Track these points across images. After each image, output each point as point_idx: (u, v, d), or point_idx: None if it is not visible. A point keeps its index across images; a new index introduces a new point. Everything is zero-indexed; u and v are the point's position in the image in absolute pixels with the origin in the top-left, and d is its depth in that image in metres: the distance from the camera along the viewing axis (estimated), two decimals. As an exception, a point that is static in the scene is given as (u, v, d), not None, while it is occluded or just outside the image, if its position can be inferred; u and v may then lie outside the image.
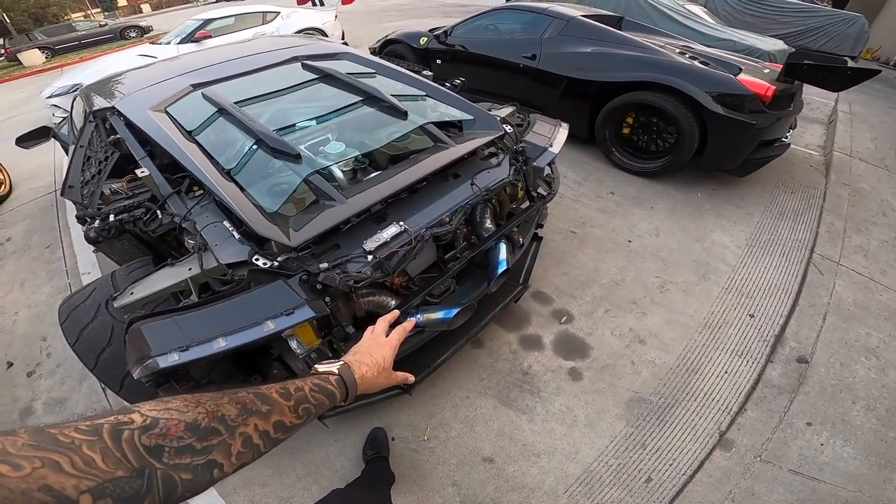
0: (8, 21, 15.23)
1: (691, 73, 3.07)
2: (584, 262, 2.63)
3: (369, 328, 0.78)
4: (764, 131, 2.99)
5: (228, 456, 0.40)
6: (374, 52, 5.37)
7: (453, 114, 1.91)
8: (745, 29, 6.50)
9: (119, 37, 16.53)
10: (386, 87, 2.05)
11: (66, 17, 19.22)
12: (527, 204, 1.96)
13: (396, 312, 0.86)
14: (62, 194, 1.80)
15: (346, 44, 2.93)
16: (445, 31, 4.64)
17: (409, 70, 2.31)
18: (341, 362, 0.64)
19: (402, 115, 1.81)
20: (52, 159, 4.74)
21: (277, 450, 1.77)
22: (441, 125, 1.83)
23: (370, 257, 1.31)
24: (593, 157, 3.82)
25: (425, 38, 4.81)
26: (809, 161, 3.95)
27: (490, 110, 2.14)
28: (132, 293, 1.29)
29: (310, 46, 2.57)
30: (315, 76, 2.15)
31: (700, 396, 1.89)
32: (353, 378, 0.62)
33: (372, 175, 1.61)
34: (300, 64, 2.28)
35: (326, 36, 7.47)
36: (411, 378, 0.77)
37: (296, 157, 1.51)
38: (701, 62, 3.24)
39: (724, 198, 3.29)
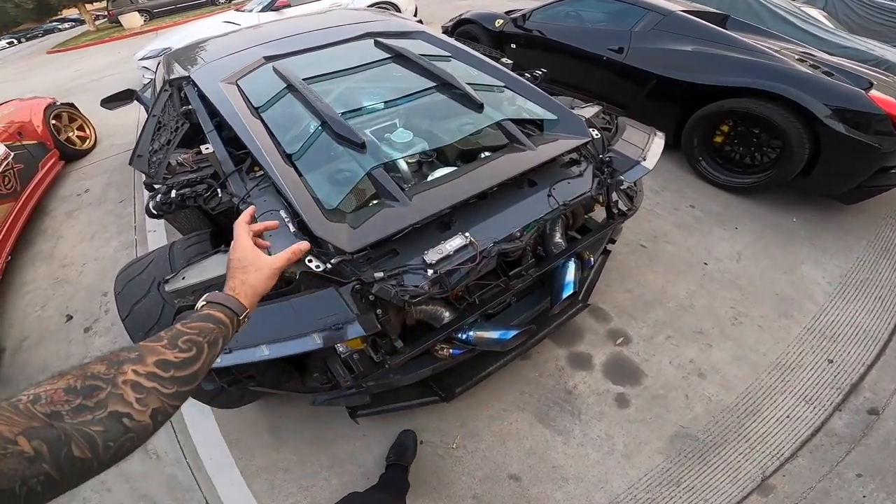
0: None
1: (812, 84, 2.65)
2: (651, 280, 2.41)
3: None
4: (888, 157, 2.55)
5: (128, 404, 0.42)
6: (446, 31, 5.24)
7: (534, 111, 1.70)
8: (872, 38, 5.64)
9: (210, 2, 17.51)
10: (461, 73, 1.87)
11: None
12: (603, 218, 1.73)
13: (251, 210, 0.79)
14: (130, 163, 1.82)
15: (420, 21, 2.78)
16: (524, 15, 4.40)
17: (487, 56, 2.11)
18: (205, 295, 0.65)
19: (478, 107, 1.63)
20: (136, 119, 5.01)
21: (305, 438, 1.73)
22: (519, 122, 1.64)
23: (430, 271, 1.17)
24: (676, 165, 3.45)
25: (501, 21, 4.60)
26: (932, 194, 3.35)
27: (572, 108, 1.91)
28: (184, 278, 1.26)
29: (384, 23, 2.47)
30: (387, 55, 2.03)
31: (752, 438, 1.75)
32: (221, 295, 0.61)
33: (438, 172, 1.46)
34: (373, 41, 2.19)
35: (400, 10, 7.36)
36: (302, 247, 0.74)
37: (360, 146, 1.39)
38: (824, 72, 2.80)
39: (823, 226, 2.86)
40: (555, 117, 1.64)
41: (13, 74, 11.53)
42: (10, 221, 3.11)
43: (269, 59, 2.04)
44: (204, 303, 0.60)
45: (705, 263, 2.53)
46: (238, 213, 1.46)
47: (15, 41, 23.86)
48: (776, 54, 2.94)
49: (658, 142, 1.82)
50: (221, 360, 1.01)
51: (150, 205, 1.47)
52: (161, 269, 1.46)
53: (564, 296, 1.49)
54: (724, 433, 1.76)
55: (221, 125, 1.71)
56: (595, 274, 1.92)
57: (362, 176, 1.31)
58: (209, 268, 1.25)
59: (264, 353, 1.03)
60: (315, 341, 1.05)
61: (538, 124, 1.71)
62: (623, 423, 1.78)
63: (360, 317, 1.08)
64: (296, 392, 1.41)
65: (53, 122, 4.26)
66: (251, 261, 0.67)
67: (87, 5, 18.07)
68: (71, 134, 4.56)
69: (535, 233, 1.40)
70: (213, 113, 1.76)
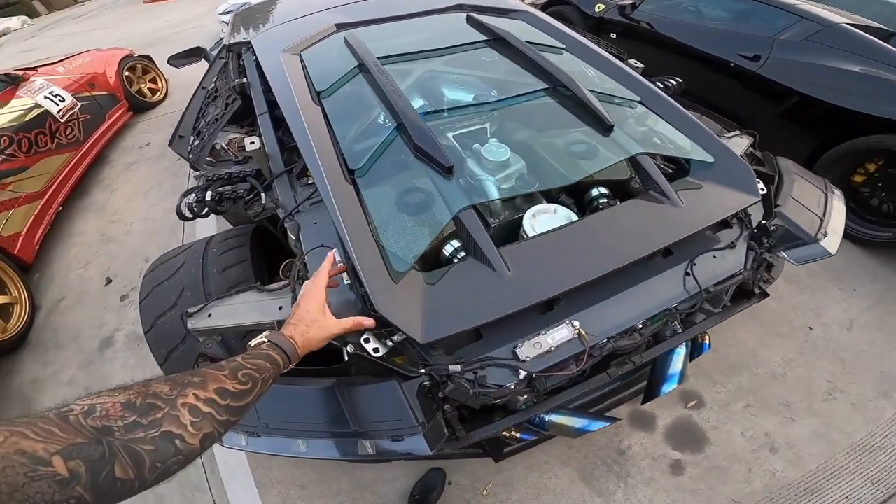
0: None
1: None
2: (743, 340, 2.10)
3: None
4: None
5: (183, 426, 0.43)
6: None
7: (682, 145, 1.23)
8: None
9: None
10: (577, 73, 1.44)
11: None
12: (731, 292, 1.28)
13: (331, 257, 0.80)
14: (170, 144, 1.59)
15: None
16: (633, 3, 3.86)
17: (612, 54, 1.65)
18: (268, 330, 0.69)
19: (606, 128, 1.19)
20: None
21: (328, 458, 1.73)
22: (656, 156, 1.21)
23: (522, 372, 0.82)
24: (795, 202, 2.91)
25: (602, 6, 4.11)
26: None
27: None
28: (210, 315, 1.01)
29: None
30: (483, 37, 1.65)
31: None
32: (283, 338, 0.64)
33: (541, 218, 1.05)
34: (465, 16, 1.82)
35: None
36: (365, 323, 0.75)
37: (447, 171, 1.03)
38: None
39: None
40: (711, 158, 1.17)
41: (108, 22, 12.18)
42: (66, 171, 3.13)
43: (340, 27, 1.76)
44: (265, 340, 0.63)
45: (810, 328, 2.18)
46: (284, 230, 1.22)
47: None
48: None
49: (838, 206, 1.32)
50: (247, 444, 0.87)
51: (181, 206, 1.22)
52: (191, 276, 1.29)
53: (666, 391, 1.17)
54: None
55: (275, 106, 1.42)
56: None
57: (448, 221, 0.95)
58: (239, 312, 1.00)
59: (300, 449, 0.85)
60: (365, 450, 0.82)
61: (678, 162, 1.26)
62: (670, 492, 1.66)
63: (427, 428, 0.81)
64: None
65: (127, 73, 4.32)
66: (317, 317, 0.70)
67: None
68: (143, 86, 4.61)
69: (662, 326, 1.01)
70: (268, 89, 1.48)
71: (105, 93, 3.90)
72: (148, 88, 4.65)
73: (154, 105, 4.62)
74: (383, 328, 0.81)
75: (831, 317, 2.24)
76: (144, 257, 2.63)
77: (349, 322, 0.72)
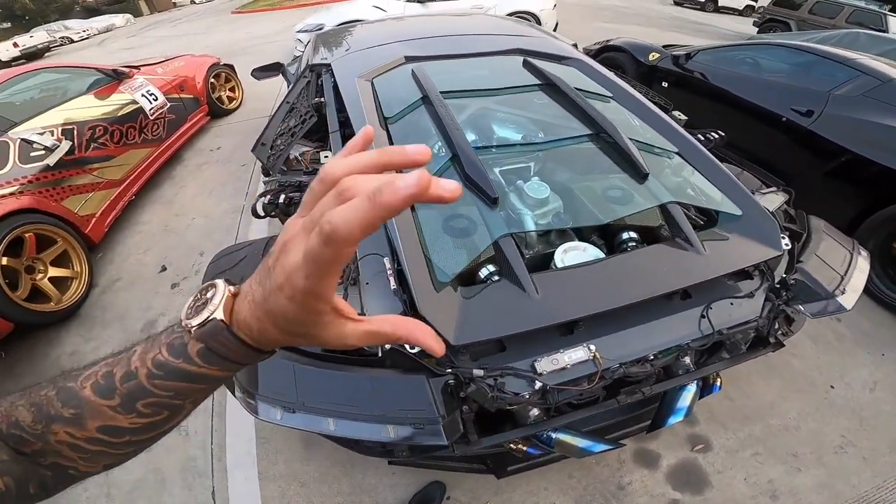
0: None
1: None
2: (761, 392, 2.10)
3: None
4: None
5: (72, 460, 0.34)
6: (588, 55, 4.85)
7: (712, 196, 1.33)
8: None
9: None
10: (621, 121, 1.56)
11: None
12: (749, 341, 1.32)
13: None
14: (253, 150, 1.82)
15: (574, 45, 2.49)
16: (688, 54, 3.91)
17: (657, 105, 1.76)
18: (212, 316, 0.32)
19: (642, 176, 1.31)
20: (279, 88, 5.31)
21: (334, 458, 1.85)
22: (686, 205, 1.29)
23: (538, 384, 0.92)
24: (832, 265, 2.83)
25: (656, 55, 4.18)
26: None
27: (753, 192, 1.49)
28: None
29: (535, 40, 2.24)
30: (536, 81, 1.79)
31: None
32: (236, 342, 0.31)
33: (570, 253, 1.17)
34: (522, 60, 1.97)
35: (540, 23, 7.06)
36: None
37: (492, 201, 1.17)
38: None
39: None
40: (738, 212, 1.26)
41: (201, 28, 13.45)
42: (146, 164, 3.42)
43: (409, 59, 1.94)
44: (198, 342, 0.32)
45: (831, 387, 2.16)
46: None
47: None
48: None
49: (862, 266, 1.35)
50: (281, 418, 0.93)
51: (257, 205, 1.41)
52: (252, 268, 1.41)
53: (671, 422, 1.22)
54: None
55: (347, 126, 1.61)
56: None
57: (488, 244, 1.09)
58: None
59: (330, 428, 0.92)
60: (388, 434, 0.91)
61: (708, 213, 1.35)
62: None
63: (446, 420, 0.91)
64: (347, 447, 1.26)
65: (212, 80, 4.69)
66: (303, 331, 0.30)
67: None
68: (223, 93, 4.99)
69: (672, 360, 1.08)
70: (341, 108, 1.67)
71: (191, 96, 4.25)
72: (227, 96, 5.03)
73: (229, 112, 4.97)
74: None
75: (855, 378, 2.19)
76: (200, 251, 2.82)
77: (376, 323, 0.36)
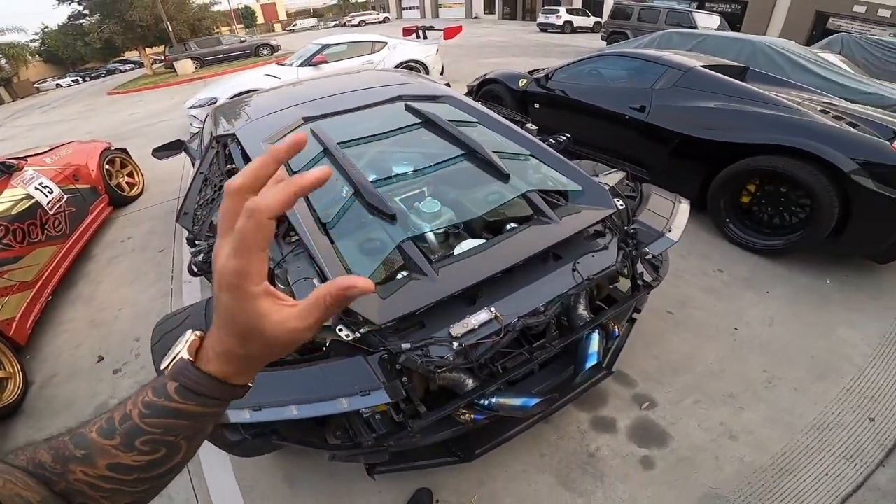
0: (170, 30, 17.32)
1: (836, 138, 2.60)
2: (678, 346, 2.36)
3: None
4: None
5: (94, 499, 0.37)
6: (472, 90, 5.42)
7: (559, 180, 1.75)
8: (892, 80, 5.56)
9: (254, 53, 18.70)
10: (487, 140, 1.96)
11: (216, 31, 21.58)
12: (628, 288, 1.72)
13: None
14: (177, 220, 1.94)
15: (448, 85, 2.93)
16: (547, 75, 4.51)
17: (512, 121, 2.21)
18: (179, 354, 0.38)
19: (504, 176, 1.69)
20: (182, 168, 5.26)
21: (320, 490, 1.74)
22: (545, 192, 1.69)
23: (455, 344, 1.19)
24: (702, 228, 3.40)
25: (524, 81, 4.70)
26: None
27: (596, 174, 1.95)
28: None
29: (414, 86, 2.60)
30: (417, 120, 2.14)
31: (788, 497, 1.70)
32: (201, 374, 0.37)
33: (465, 245, 1.50)
34: (403, 105, 2.30)
35: (428, 69, 7.78)
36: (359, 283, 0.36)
37: (391, 217, 1.46)
38: (848, 123, 2.75)
39: (859, 287, 2.77)
40: (579, 188, 1.68)
41: (78, 113, 12.47)
42: (56, 262, 3.22)
43: (307, 119, 2.15)
44: (172, 381, 0.37)
45: (735, 329, 2.47)
46: (275, 277, 1.55)
47: (80, 79, 26.28)
48: (798, 107, 2.91)
49: (683, 209, 1.82)
50: (251, 417, 1.08)
51: (192, 263, 1.55)
52: (196, 325, 1.52)
53: (587, 367, 1.48)
54: (758, 493, 1.71)
55: (262, 187, 1.81)
56: (620, 341, 1.90)
57: (392, 248, 1.36)
58: None
59: (293, 412, 1.10)
60: (342, 405, 1.10)
61: (563, 194, 1.76)
62: (648, 486, 1.75)
63: (387, 385, 1.12)
64: (317, 448, 1.41)
65: (107, 166, 4.41)
66: (247, 326, 0.34)
67: (146, 49, 19.39)
68: (121, 180, 4.71)
69: (559, 307, 1.40)
70: None
71: (88, 186, 3.99)
72: (126, 182, 4.76)
73: (132, 199, 4.71)
74: (350, 321, 1.17)
75: (752, 317, 2.54)
76: (135, 337, 2.75)
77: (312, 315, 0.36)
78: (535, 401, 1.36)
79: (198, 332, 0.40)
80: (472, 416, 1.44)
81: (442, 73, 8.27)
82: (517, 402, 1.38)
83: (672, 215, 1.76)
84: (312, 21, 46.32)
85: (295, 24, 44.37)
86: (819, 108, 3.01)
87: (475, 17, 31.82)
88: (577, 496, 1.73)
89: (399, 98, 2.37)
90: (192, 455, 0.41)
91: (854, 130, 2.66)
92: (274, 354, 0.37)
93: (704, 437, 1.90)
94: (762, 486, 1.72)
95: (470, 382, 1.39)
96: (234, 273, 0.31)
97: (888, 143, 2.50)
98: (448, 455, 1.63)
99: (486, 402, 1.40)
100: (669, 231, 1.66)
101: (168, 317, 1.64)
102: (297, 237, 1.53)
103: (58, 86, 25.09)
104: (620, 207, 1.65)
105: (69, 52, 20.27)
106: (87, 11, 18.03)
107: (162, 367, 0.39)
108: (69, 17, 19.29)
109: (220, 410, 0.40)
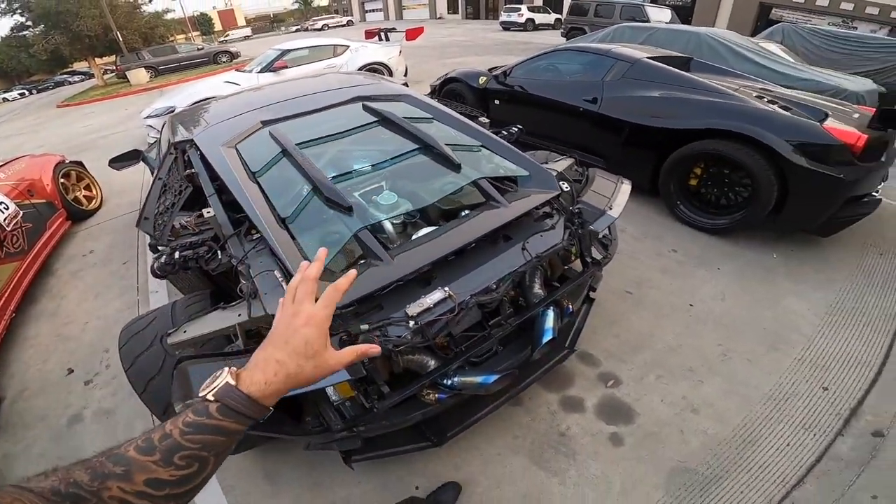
0: (120, 39, 16.68)
1: (770, 120, 2.80)
2: (638, 325, 2.47)
3: (281, 300, 0.57)
4: (853, 186, 2.65)
5: None
6: (434, 90, 5.48)
7: (508, 168, 1.86)
8: (829, 67, 5.99)
9: (212, 60, 18.21)
10: (441, 134, 2.06)
11: (170, 39, 20.87)
12: (580, 268, 1.85)
13: (352, 275, 0.62)
14: (137, 225, 1.95)
15: (405, 84, 3.01)
16: (504, 72, 4.62)
17: (466, 116, 2.31)
18: (223, 382, 0.49)
19: (456, 167, 1.79)
20: (141, 178, 5.15)
21: (301, 484, 1.81)
22: (495, 180, 1.79)
23: (412, 323, 1.28)
24: (655, 211, 3.59)
25: (484, 78, 4.80)
26: (904, 216, 3.48)
27: (546, 162, 2.07)
28: (185, 331, 1.37)
29: (372, 86, 2.65)
30: (374, 119, 2.21)
31: (754, 468, 1.76)
32: (244, 396, 0.47)
33: (420, 232, 1.59)
34: (361, 105, 2.36)
35: (391, 70, 7.82)
36: (373, 350, 0.58)
37: (348, 210, 1.53)
38: (781, 107, 2.96)
39: (803, 260, 2.96)
40: (527, 173, 1.80)
41: (26, 127, 11.87)
42: (16, 280, 3.14)
43: (265, 123, 2.17)
44: (215, 402, 0.47)
45: (690, 305, 2.59)
46: (237, 274, 1.59)
47: (27, 92, 24.90)
48: (735, 93, 3.09)
49: (625, 189, 1.96)
50: None
51: (155, 265, 1.58)
52: (164, 325, 1.55)
53: (543, 342, 1.56)
54: (724, 465, 1.77)
55: (222, 189, 1.83)
56: (581, 321, 1.99)
57: (349, 238, 1.43)
58: (208, 322, 1.37)
59: None
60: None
61: (514, 180, 1.87)
62: (619, 462, 1.80)
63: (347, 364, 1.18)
64: (290, 436, 1.46)
65: (62, 180, 4.28)
66: (318, 349, 0.52)
67: (96, 59, 18.58)
68: (78, 193, 4.58)
69: (511, 285, 1.50)
70: (213, 177, 1.88)
71: (44, 201, 3.88)
72: (84, 196, 4.63)
73: (91, 213, 4.59)
74: None
75: (705, 293, 2.68)
76: (104, 348, 2.72)
77: (352, 353, 0.56)
78: (494, 377, 1.43)
79: (233, 368, 0.51)
80: (436, 395, 1.50)
81: (406, 74, 8.32)
82: (478, 379, 1.45)
83: (614, 195, 1.90)
84: (247, 31, 45.39)
85: (228, 35, 43.39)
86: (755, 93, 3.21)
87: (439, 18, 31.97)
88: (551, 475, 1.77)
89: (357, 99, 2.42)
90: (212, 474, 0.47)
91: (787, 113, 2.85)
92: (312, 377, 0.53)
93: (668, 411, 1.97)
94: (728, 459, 1.79)
95: (432, 363, 1.47)
96: (325, 318, 0.54)
97: (818, 123, 2.70)
98: (421, 440, 1.69)
99: (449, 382, 1.47)
100: (610, 209, 1.80)
101: (135, 319, 1.66)
102: (258, 234, 1.58)
103: (4, 99, 23.80)
104: (566, 189, 1.77)
105: (13, 65, 19.19)
106: (30, 23, 17.14)
107: (201, 394, 0.48)
108: (12, 30, 18.31)
109: (244, 429, 0.49)
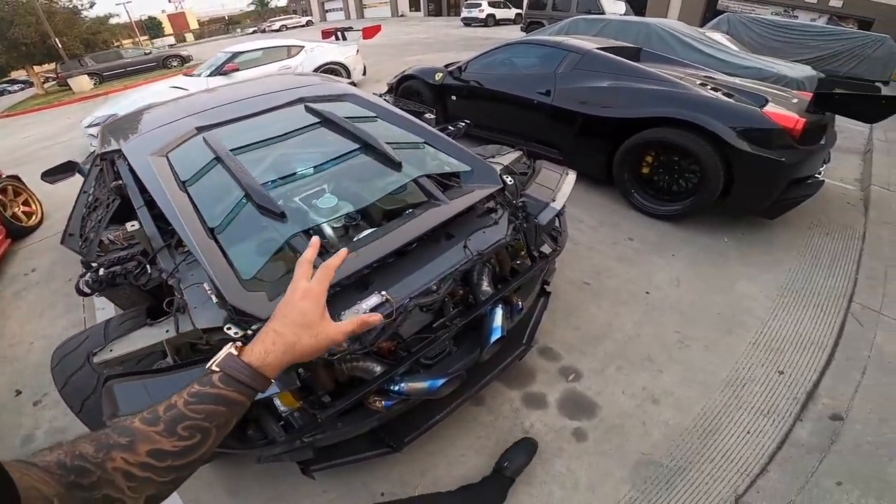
0: (60, 46, 15.89)
1: (712, 107, 2.89)
2: (597, 315, 2.48)
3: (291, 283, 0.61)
4: (795, 168, 2.76)
5: (120, 490, 0.41)
6: (391, 87, 5.41)
7: (450, 164, 1.83)
8: (771, 55, 6.28)
9: (162, 65, 17.44)
10: (384, 133, 2.01)
11: (116, 44, 20.06)
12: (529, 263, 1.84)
13: (343, 253, 0.68)
14: (62, 242, 1.82)
15: (352, 84, 2.94)
16: (460, 67, 4.61)
17: (412, 113, 2.27)
18: (226, 353, 0.52)
19: (396, 165, 1.74)
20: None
21: (264, 496, 1.73)
22: (440, 177, 1.76)
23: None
24: (611, 200, 3.64)
25: (441, 74, 4.77)
26: (846, 197, 3.68)
27: (495, 156, 2.06)
28: (111, 350, 1.31)
29: (316, 87, 2.56)
30: (317, 120, 2.13)
31: (717, 458, 1.76)
32: (244, 364, 0.50)
33: (360, 235, 1.54)
34: (304, 106, 2.27)
35: (349, 70, 7.67)
36: (373, 319, 0.63)
37: (280, 216, 1.47)
38: (724, 94, 3.06)
39: (753, 243, 3.06)
40: (468, 168, 1.78)
41: None
42: None
43: (200, 129, 2.06)
44: (219, 372, 0.49)
45: (647, 293, 2.62)
46: (168, 287, 1.50)
47: (-38, 104, 23.18)
48: (680, 81, 3.17)
49: (569, 180, 1.97)
50: None
51: (80, 283, 1.49)
52: (96, 344, 1.47)
53: (491, 341, 1.53)
54: (688, 456, 1.77)
55: (152, 200, 1.75)
56: (538, 315, 1.97)
57: (281, 245, 1.37)
58: (135, 340, 1.31)
59: None
60: None
61: (458, 176, 1.84)
62: (583, 457, 1.79)
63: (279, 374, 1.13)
64: (233, 450, 1.39)
65: None
66: (313, 319, 0.56)
67: (34, 67, 17.59)
68: (17, 209, 4.35)
69: (453, 284, 1.47)
70: (143, 188, 1.78)
71: None
72: (22, 212, 4.38)
73: (32, 229, 4.37)
74: (240, 319, 1.18)
75: (661, 280, 2.71)
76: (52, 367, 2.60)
77: (353, 323, 0.60)
78: (441, 381, 1.39)
79: (238, 343, 0.54)
80: (383, 402, 1.45)
81: (364, 74, 8.19)
82: (424, 384, 1.41)
83: (558, 186, 1.90)
84: (170, 39, 43.01)
85: (184, 39, 41.57)
86: (699, 81, 3.31)
87: (401, 16, 31.70)
88: (517, 475, 1.73)
89: (300, 100, 2.34)
90: (213, 448, 0.48)
91: (730, 100, 2.95)
92: (311, 346, 0.56)
93: (630, 403, 1.97)
94: (691, 449, 1.78)
95: (378, 369, 1.42)
96: (320, 292, 0.59)
97: (759, 109, 2.79)
98: (380, 446, 1.65)
99: (396, 388, 1.43)
100: (554, 201, 1.80)
101: (68, 339, 1.58)
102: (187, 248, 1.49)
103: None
104: (509, 183, 1.76)
105: (-55, 76, 17.91)
106: None
107: (208, 367, 0.51)
108: (-58, 40, 16.96)
109: (247, 402, 0.51)
